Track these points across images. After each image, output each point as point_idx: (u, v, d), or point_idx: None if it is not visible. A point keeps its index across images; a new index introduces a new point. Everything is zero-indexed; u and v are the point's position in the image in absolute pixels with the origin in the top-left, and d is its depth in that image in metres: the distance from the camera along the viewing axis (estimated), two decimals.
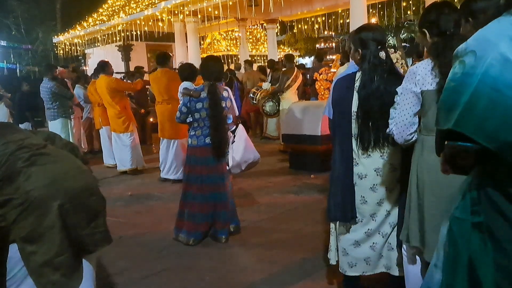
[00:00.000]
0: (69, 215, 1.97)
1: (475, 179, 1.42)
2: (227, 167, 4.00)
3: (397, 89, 2.27)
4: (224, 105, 3.89)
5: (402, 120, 2.21)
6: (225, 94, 3.94)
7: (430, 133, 2.12)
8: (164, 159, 6.44)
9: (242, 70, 12.01)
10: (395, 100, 2.27)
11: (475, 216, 1.39)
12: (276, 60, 11.84)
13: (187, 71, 5.55)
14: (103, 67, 7.14)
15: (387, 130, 2.30)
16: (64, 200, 1.96)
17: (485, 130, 1.22)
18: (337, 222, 2.74)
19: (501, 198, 1.31)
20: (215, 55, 5.20)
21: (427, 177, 2.18)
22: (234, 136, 4.03)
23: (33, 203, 1.90)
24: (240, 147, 3.99)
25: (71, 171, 2.08)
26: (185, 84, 5.26)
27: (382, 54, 2.50)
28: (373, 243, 2.64)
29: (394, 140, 2.31)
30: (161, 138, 6.52)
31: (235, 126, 4.09)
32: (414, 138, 2.25)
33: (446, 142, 1.38)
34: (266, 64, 12.71)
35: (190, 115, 3.93)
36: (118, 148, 7.15)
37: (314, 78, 8.81)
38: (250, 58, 14.00)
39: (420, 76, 2.16)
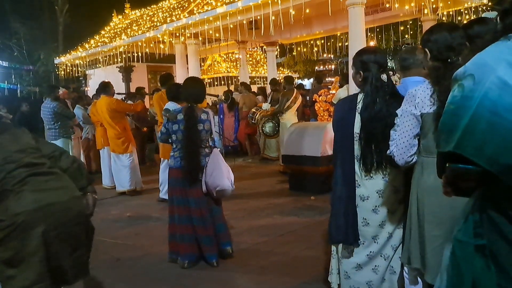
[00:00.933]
0: (53, 244, 1.94)
1: (477, 202, 1.41)
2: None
3: (397, 111, 2.28)
4: (202, 127, 3.81)
5: (403, 142, 2.22)
6: (203, 116, 3.85)
7: (430, 155, 2.15)
8: (164, 179, 6.42)
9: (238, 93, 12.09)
10: (395, 122, 2.28)
11: (477, 239, 1.38)
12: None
13: (173, 92, 5.39)
14: (105, 87, 7.18)
15: (388, 152, 2.31)
16: (50, 227, 1.93)
17: (485, 153, 1.23)
18: (339, 245, 2.72)
19: (503, 221, 1.30)
20: (196, 76, 5.13)
21: (427, 198, 2.19)
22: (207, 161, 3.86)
23: (20, 227, 1.87)
24: (211, 172, 3.80)
25: (62, 197, 2.04)
26: (168, 105, 5.23)
27: (384, 77, 2.52)
28: (376, 266, 2.61)
29: (395, 162, 2.31)
30: (162, 158, 6.52)
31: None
32: (414, 160, 2.26)
33: (447, 164, 1.38)
34: (267, 84, 12.77)
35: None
36: (117, 169, 7.15)
37: (313, 99, 8.88)
38: (250, 80, 14.11)
39: (419, 99, 2.18)
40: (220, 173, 3.80)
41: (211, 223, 3.90)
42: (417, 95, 2.20)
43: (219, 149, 4.08)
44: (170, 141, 3.97)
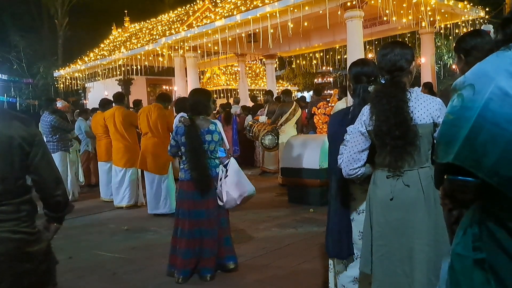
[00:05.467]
0: None
1: (476, 214, 1.38)
2: (219, 203, 3.86)
3: (347, 128, 2.39)
4: (210, 138, 3.80)
5: (347, 156, 2.33)
6: (211, 127, 3.84)
7: (380, 167, 2.29)
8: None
9: (242, 104, 12.07)
10: (344, 137, 2.39)
11: (477, 253, 1.35)
12: (276, 94, 11.91)
13: (179, 105, 5.57)
14: (120, 98, 7.16)
15: (338, 164, 2.41)
16: None
17: (486, 164, 1.20)
18: (336, 258, 2.70)
19: (503, 234, 1.27)
20: (201, 88, 5.06)
21: (374, 208, 2.29)
22: (227, 170, 3.91)
23: None
24: (234, 181, 3.84)
25: None
26: (180, 115, 5.21)
27: (372, 88, 2.52)
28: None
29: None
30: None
31: (227, 160, 4.00)
32: (359, 172, 2.34)
33: (445, 176, 1.36)
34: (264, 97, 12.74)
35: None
36: (118, 183, 7.02)
37: (312, 112, 8.88)
38: (249, 93, 14.14)
39: (365, 117, 2.29)
40: (244, 179, 3.94)
41: (217, 236, 3.89)
42: (364, 113, 2.32)
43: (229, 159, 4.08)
44: (180, 153, 3.94)
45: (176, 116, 5.52)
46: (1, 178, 1.89)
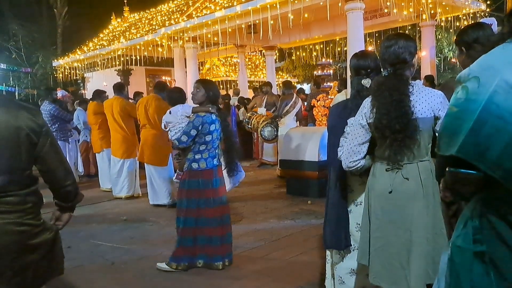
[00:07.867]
0: None
1: (477, 207, 1.38)
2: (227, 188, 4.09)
3: (348, 120, 2.40)
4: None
5: (348, 148, 2.34)
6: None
7: (379, 160, 2.29)
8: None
9: (242, 95, 12.02)
10: (345, 130, 2.40)
11: (477, 245, 1.35)
12: (275, 85, 11.85)
13: (177, 94, 5.51)
14: (120, 88, 7.13)
15: (338, 157, 2.41)
16: None
17: (489, 157, 1.20)
18: (333, 250, 2.71)
19: (504, 227, 1.27)
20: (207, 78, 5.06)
21: (373, 201, 2.30)
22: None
23: None
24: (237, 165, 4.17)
25: None
26: (185, 106, 5.11)
27: (366, 81, 2.51)
28: None
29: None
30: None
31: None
32: (359, 165, 2.35)
33: (447, 169, 1.35)
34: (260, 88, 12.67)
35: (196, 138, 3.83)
36: (116, 174, 7.02)
37: (312, 104, 8.87)
38: (248, 84, 14.10)
39: (366, 109, 2.28)
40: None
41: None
42: (365, 105, 2.31)
43: None
44: (190, 144, 3.84)
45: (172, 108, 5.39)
46: (9, 169, 1.86)
